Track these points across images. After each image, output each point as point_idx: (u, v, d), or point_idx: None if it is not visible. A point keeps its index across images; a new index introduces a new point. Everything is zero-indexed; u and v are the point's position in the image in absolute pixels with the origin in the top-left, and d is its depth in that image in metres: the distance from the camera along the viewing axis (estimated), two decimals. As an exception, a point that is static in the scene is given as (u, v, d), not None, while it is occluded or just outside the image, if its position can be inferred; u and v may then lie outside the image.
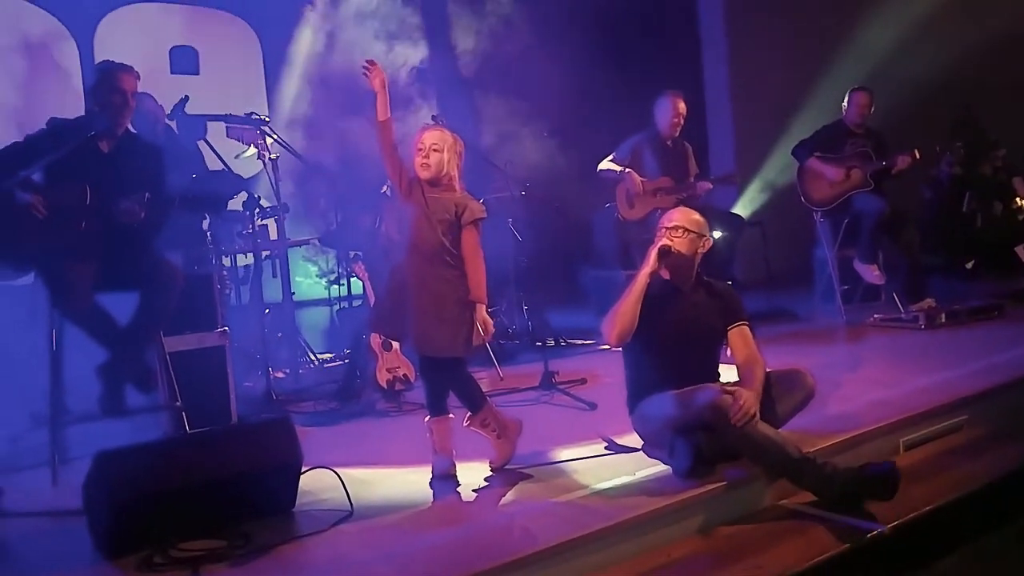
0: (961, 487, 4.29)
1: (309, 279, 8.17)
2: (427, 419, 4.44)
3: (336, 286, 7.92)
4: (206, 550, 3.52)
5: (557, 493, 4.02)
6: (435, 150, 4.27)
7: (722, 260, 7.30)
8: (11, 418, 5.25)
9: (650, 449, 4.46)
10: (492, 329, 4.32)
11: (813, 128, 8.37)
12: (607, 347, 7.00)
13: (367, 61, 4.25)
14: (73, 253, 4.72)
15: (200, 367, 5.27)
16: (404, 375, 5.94)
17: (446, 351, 4.30)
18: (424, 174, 4.28)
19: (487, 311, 4.32)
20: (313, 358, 7.20)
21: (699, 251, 4.52)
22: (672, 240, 4.44)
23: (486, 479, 4.32)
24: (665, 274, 4.49)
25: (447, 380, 4.43)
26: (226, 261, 6.88)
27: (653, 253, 4.40)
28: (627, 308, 4.35)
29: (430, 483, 4.30)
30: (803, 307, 8.60)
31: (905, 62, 10.35)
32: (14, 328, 5.70)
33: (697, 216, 4.59)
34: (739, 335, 4.50)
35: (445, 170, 4.29)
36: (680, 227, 4.48)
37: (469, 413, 4.45)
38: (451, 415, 4.43)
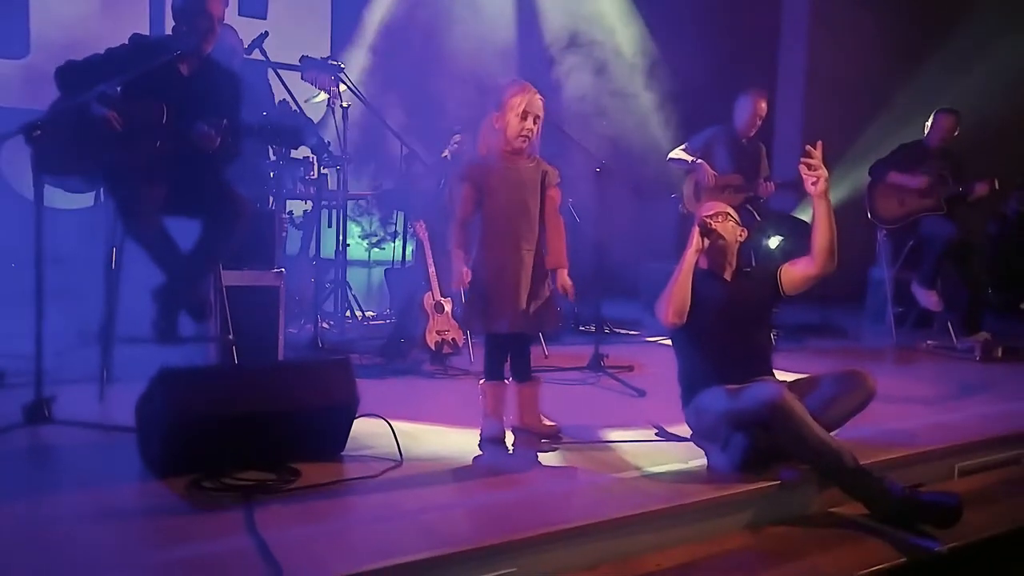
0: (1018, 519, 4.17)
1: (351, 239, 8.10)
2: (482, 382, 4.40)
3: (377, 249, 7.87)
4: (256, 481, 3.51)
5: (611, 471, 3.96)
6: (538, 120, 4.21)
7: (777, 267, 7.20)
8: (57, 334, 5.16)
9: (699, 440, 4.41)
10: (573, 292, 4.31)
11: (884, 142, 8.24)
12: (652, 339, 7.02)
13: None
14: (146, 172, 4.67)
15: (253, 305, 5.25)
16: (452, 339, 5.91)
17: (554, 324, 4.42)
18: (521, 145, 4.21)
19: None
20: (359, 314, 7.15)
21: (738, 239, 4.51)
22: (716, 222, 4.42)
23: (539, 448, 4.28)
24: (704, 262, 4.47)
25: (526, 349, 4.46)
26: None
27: (696, 232, 4.36)
28: (679, 286, 4.29)
29: (479, 445, 4.26)
30: (852, 325, 8.53)
31: (987, 88, 10.16)
32: (67, 250, 5.68)
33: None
34: (789, 266, 4.50)
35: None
36: (721, 212, 4.49)
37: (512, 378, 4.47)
38: (507, 381, 4.40)
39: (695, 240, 4.34)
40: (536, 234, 4.27)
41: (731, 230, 4.47)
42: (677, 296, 4.28)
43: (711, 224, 4.39)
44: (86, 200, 5.42)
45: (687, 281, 4.30)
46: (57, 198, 5.10)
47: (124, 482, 3.56)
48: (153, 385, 3.58)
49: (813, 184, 4.21)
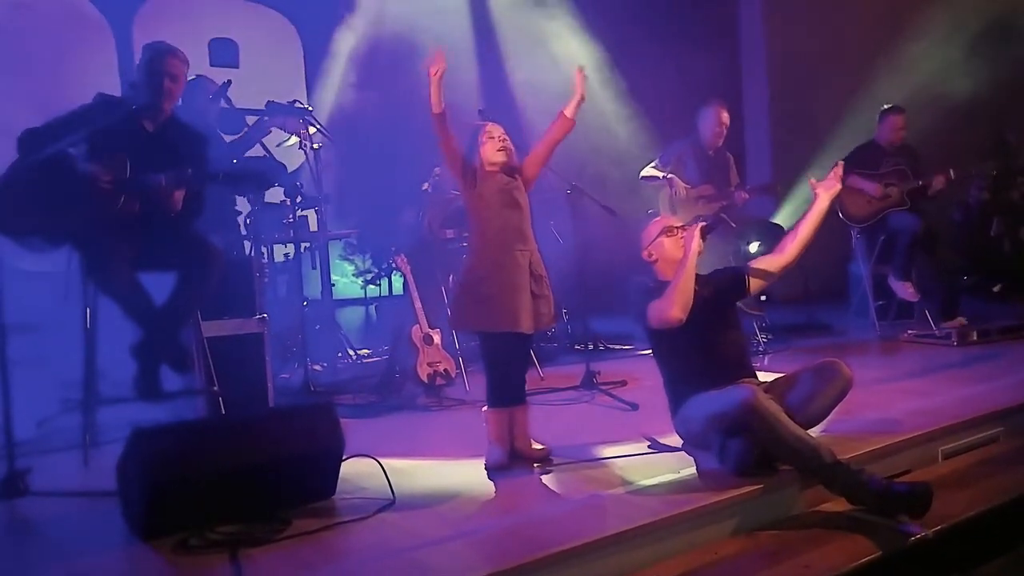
0: (1000, 495, 4.27)
1: (345, 278, 8.09)
2: (485, 409, 4.45)
3: (373, 286, 7.89)
4: (245, 533, 3.48)
5: (603, 488, 4.00)
6: (503, 136, 4.42)
7: (742, 268, 7.28)
8: (38, 402, 5.14)
9: (691, 449, 4.45)
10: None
11: (850, 143, 8.33)
12: (645, 352, 7.03)
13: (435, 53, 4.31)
14: (113, 227, 4.66)
15: (237, 354, 5.22)
16: (445, 370, 5.92)
17: (551, 321, 4.51)
18: (503, 157, 4.39)
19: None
20: (351, 353, 7.16)
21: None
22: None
23: (532, 473, 4.31)
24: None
25: (524, 372, 4.54)
26: (264, 251, 6.81)
27: (697, 235, 4.49)
28: (686, 282, 4.38)
29: (485, 468, 4.31)
30: (838, 321, 8.60)
31: (943, 82, 10.28)
32: (43, 314, 5.64)
33: None
34: (755, 265, 4.70)
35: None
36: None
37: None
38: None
39: (696, 242, 4.47)
40: (528, 237, 4.40)
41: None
42: (684, 293, 4.36)
43: (707, 227, 4.55)
44: (57, 262, 5.32)
45: (692, 279, 4.41)
46: (27, 261, 5.02)
47: (108, 549, 3.51)
48: (128, 446, 3.54)
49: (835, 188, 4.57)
